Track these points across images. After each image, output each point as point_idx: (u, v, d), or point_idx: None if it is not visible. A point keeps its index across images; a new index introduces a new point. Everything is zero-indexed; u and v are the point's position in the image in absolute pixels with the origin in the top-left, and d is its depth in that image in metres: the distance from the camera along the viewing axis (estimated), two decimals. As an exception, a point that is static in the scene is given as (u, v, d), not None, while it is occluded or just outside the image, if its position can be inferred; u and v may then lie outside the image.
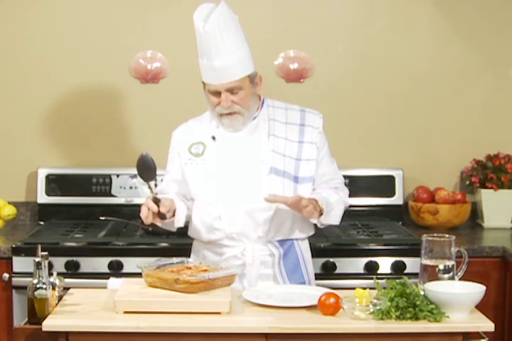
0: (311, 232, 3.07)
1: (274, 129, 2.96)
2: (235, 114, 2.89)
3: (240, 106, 2.88)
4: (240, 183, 2.92)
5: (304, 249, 3.03)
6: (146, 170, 2.83)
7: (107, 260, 3.50)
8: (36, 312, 2.46)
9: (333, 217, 2.95)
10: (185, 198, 3.03)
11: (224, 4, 2.86)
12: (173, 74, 4.16)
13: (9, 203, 3.98)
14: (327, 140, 3.05)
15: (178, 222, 2.92)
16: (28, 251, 3.45)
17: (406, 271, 3.48)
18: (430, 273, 2.56)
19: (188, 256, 2.94)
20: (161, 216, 2.81)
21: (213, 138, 2.98)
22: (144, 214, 2.80)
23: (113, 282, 2.82)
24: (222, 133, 2.98)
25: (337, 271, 3.49)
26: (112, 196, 4.07)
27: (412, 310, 2.40)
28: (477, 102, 4.21)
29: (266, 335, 2.39)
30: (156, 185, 2.83)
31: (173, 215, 2.88)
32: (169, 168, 3.08)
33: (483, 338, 2.41)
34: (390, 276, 3.32)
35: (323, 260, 3.48)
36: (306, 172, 2.94)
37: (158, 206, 2.78)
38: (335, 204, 2.94)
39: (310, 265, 3.06)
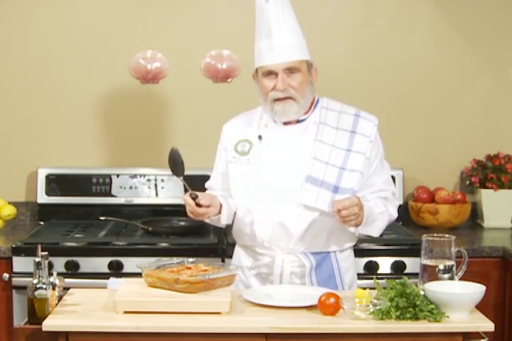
0: (350, 244, 2.95)
1: (322, 134, 2.85)
2: (289, 99, 2.80)
3: (295, 91, 2.79)
4: (276, 190, 2.82)
5: (341, 258, 2.91)
6: (174, 165, 2.79)
7: (107, 260, 3.50)
8: (36, 312, 2.46)
9: (374, 229, 2.83)
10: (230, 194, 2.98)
11: None
12: (173, 74, 4.16)
13: (9, 203, 3.98)
14: (381, 148, 2.91)
15: (224, 220, 2.88)
16: (28, 251, 3.45)
17: (406, 271, 3.48)
18: (430, 273, 2.56)
19: (195, 256, 2.92)
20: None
21: (260, 137, 2.90)
22: (189, 211, 2.78)
23: (113, 282, 2.82)
24: (270, 133, 2.88)
25: (337, 271, 3.49)
26: (112, 196, 4.07)
27: (412, 310, 2.40)
28: (477, 102, 4.22)
29: (266, 335, 2.39)
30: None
31: (220, 212, 2.85)
32: (216, 162, 3.02)
33: (483, 338, 2.41)
34: (390, 276, 3.33)
35: (323, 260, 3.48)
36: (348, 183, 2.80)
37: (196, 201, 2.76)
38: (379, 215, 2.81)
39: (349, 273, 2.94)
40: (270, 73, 2.80)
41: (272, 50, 2.78)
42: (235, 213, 2.93)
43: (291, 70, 2.79)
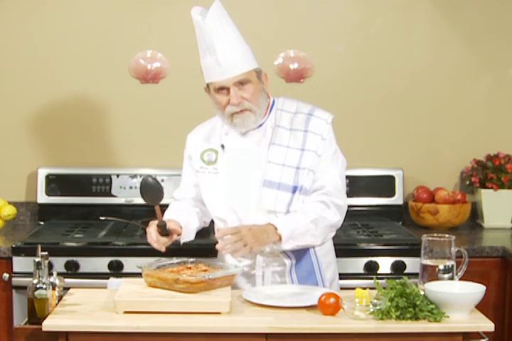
0: (328, 237, 2.94)
1: (276, 137, 2.87)
2: (245, 111, 2.81)
3: (250, 103, 2.80)
4: (242, 197, 2.86)
5: (321, 254, 2.92)
6: (151, 193, 2.81)
7: (107, 260, 3.50)
8: (36, 312, 2.46)
9: (310, 238, 2.80)
10: (201, 203, 3.02)
11: (218, 2, 2.82)
12: (173, 74, 4.16)
13: (9, 203, 3.98)
14: (333, 144, 2.91)
15: (184, 239, 2.92)
16: (28, 251, 3.45)
17: (406, 271, 3.48)
18: (430, 273, 2.56)
19: (195, 256, 2.92)
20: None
21: (222, 146, 2.93)
22: (152, 243, 2.82)
23: (113, 282, 2.82)
24: (230, 142, 2.92)
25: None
26: (112, 196, 4.07)
27: (412, 310, 2.40)
28: (477, 102, 4.21)
29: (266, 335, 2.39)
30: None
31: (178, 235, 2.88)
32: (184, 172, 3.06)
33: (483, 338, 2.41)
34: (390, 276, 3.32)
35: (323, 260, 3.48)
36: (304, 181, 2.83)
37: (167, 233, 2.80)
38: (310, 224, 2.77)
39: (330, 269, 2.97)
40: (222, 88, 2.81)
41: (219, 65, 2.79)
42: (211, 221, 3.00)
43: (241, 82, 2.80)
